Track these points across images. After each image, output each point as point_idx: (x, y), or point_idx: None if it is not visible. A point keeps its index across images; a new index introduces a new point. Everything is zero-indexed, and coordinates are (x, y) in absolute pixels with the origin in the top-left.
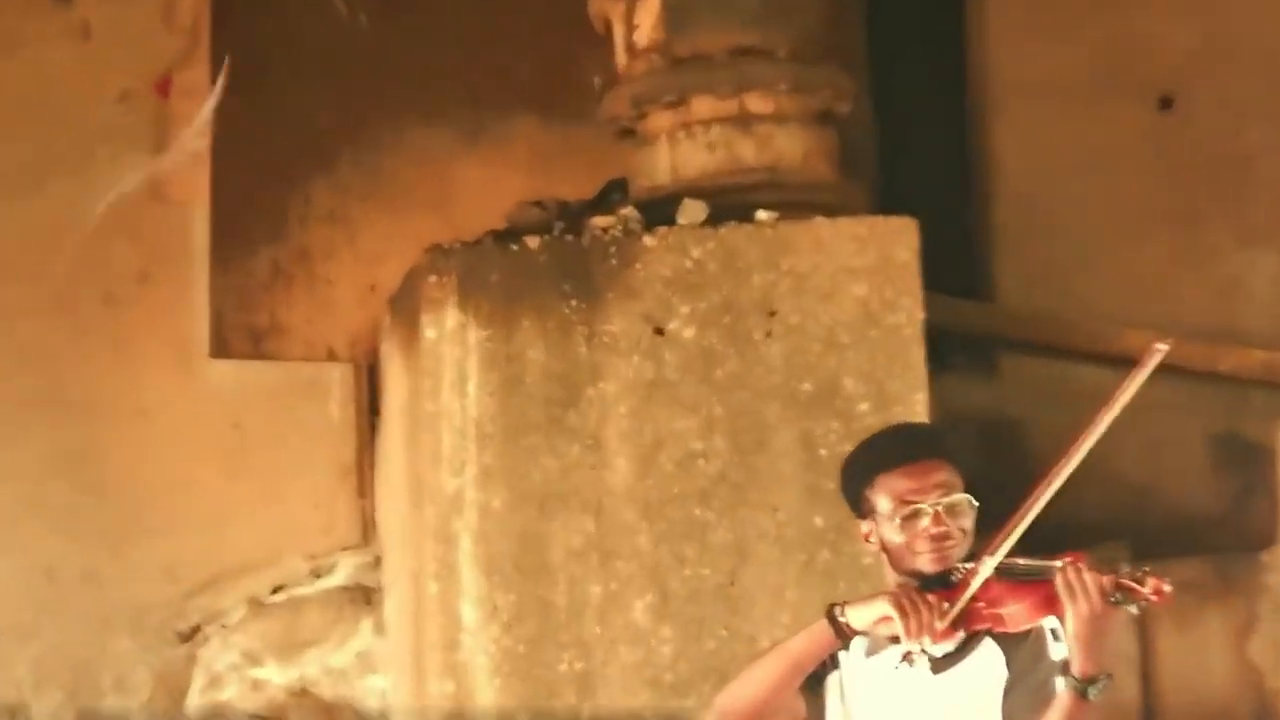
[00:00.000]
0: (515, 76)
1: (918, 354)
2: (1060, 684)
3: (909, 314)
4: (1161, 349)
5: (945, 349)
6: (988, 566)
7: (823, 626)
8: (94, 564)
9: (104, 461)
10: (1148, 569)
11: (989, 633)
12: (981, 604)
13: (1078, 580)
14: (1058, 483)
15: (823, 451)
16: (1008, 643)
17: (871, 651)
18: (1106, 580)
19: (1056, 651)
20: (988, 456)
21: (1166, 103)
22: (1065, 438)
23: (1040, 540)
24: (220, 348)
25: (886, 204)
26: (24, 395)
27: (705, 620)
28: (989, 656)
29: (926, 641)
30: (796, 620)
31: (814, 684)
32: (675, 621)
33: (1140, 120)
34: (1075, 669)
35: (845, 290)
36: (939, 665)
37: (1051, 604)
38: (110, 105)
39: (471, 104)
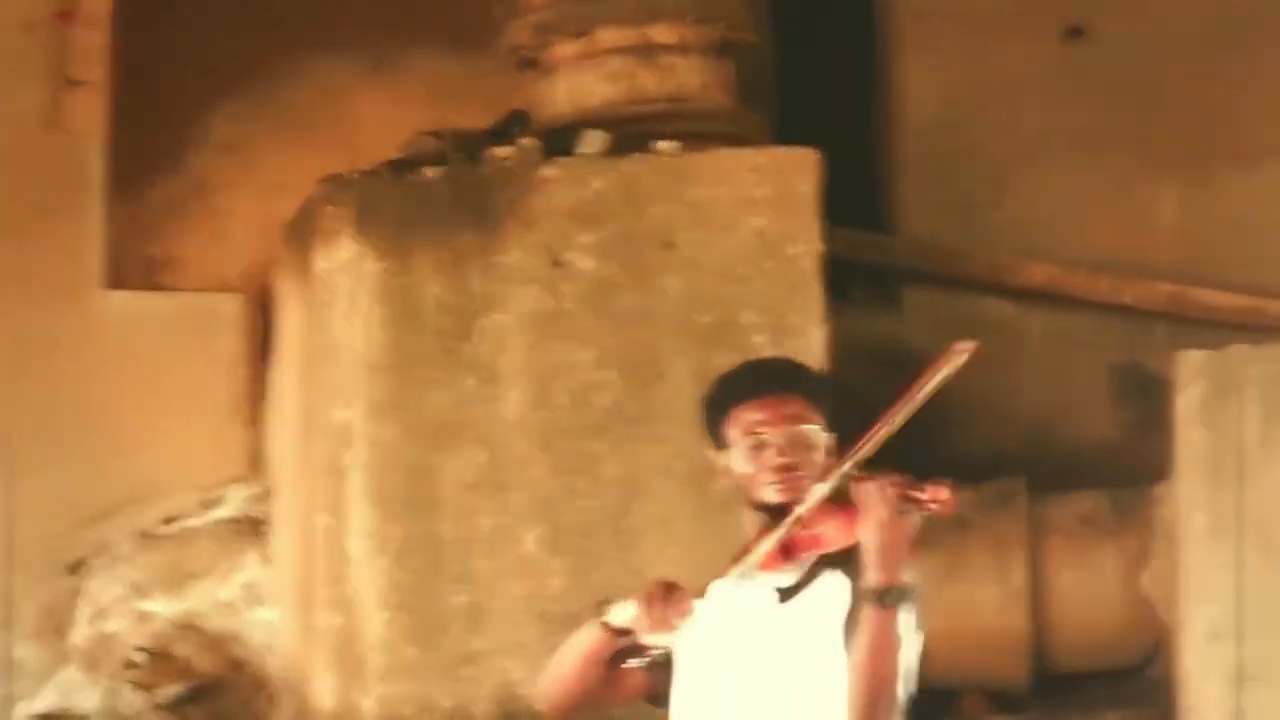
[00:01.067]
0: (417, 6)
1: (816, 287)
2: (862, 597)
3: (808, 246)
4: (966, 349)
5: (847, 281)
6: (812, 495)
7: (596, 626)
8: None
9: None
10: (936, 480)
11: (830, 558)
12: (805, 530)
13: (866, 491)
14: (898, 420)
15: None
16: (852, 571)
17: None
18: (892, 490)
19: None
20: (888, 389)
21: (1075, 32)
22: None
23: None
24: (115, 279)
25: (791, 136)
26: None
27: (596, 553)
28: (832, 584)
29: (667, 638)
30: (686, 553)
31: (643, 650)
32: (566, 554)
33: (1048, 50)
34: (869, 580)
35: (744, 222)
36: (785, 595)
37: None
38: (12, 33)
39: (373, 34)
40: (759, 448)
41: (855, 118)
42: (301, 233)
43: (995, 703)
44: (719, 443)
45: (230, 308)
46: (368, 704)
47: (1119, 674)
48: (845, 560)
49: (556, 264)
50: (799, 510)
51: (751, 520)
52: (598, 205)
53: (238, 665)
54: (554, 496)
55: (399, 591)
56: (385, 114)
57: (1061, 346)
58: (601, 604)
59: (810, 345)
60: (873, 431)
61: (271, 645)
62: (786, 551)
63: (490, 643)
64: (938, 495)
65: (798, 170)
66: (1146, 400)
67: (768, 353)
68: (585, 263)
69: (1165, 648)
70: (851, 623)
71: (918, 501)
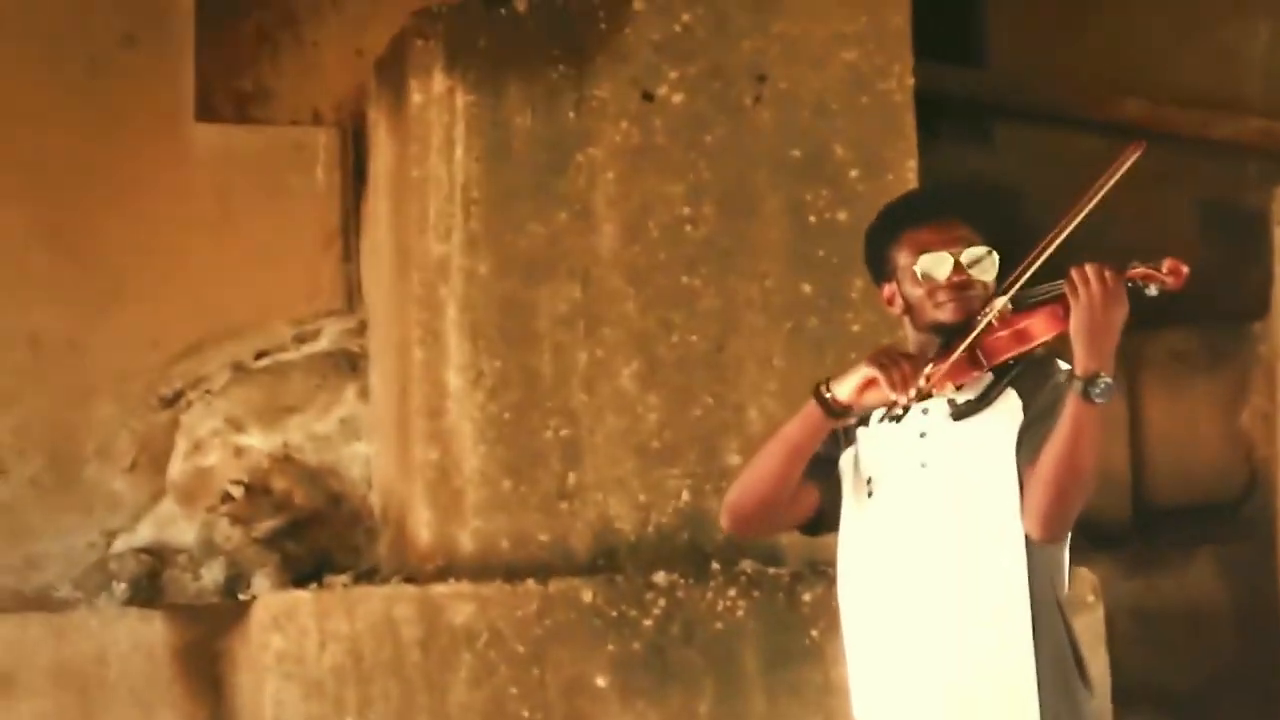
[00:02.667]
0: None
1: (909, 121)
2: (1065, 388)
3: (900, 80)
4: (1136, 150)
5: (938, 116)
6: (1000, 301)
7: (812, 406)
8: (77, 331)
9: (87, 229)
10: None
11: (1009, 375)
12: (1001, 332)
13: (1081, 273)
14: (1074, 223)
15: (811, 219)
16: (1028, 389)
17: (889, 416)
18: (1111, 271)
19: (1064, 368)
20: (1000, 219)
21: None
22: (1060, 204)
23: None
24: (206, 112)
25: None
26: (6, 163)
27: (692, 388)
28: (1010, 402)
29: (912, 395)
30: (783, 388)
31: (825, 468)
32: (662, 389)
33: None
34: (1077, 367)
35: (836, 56)
36: (960, 412)
37: (1067, 316)
38: None
39: None
40: (934, 267)
41: None
42: (393, 66)
43: (1092, 537)
44: (884, 273)
45: (322, 140)
46: (464, 538)
47: (1217, 509)
48: (1022, 377)
49: (648, 98)
50: (987, 318)
51: (919, 343)
52: (687, 39)
53: (335, 499)
54: (649, 331)
55: (496, 425)
56: None
57: (1152, 182)
58: (820, 383)
59: (903, 180)
60: (1047, 240)
61: (369, 479)
62: (975, 361)
63: (587, 477)
64: (1177, 267)
65: (888, 4)
66: (1239, 236)
67: (861, 188)
68: (676, 97)
69: (1262, 484)
70: (1029, 437)
71: (1153, 277)
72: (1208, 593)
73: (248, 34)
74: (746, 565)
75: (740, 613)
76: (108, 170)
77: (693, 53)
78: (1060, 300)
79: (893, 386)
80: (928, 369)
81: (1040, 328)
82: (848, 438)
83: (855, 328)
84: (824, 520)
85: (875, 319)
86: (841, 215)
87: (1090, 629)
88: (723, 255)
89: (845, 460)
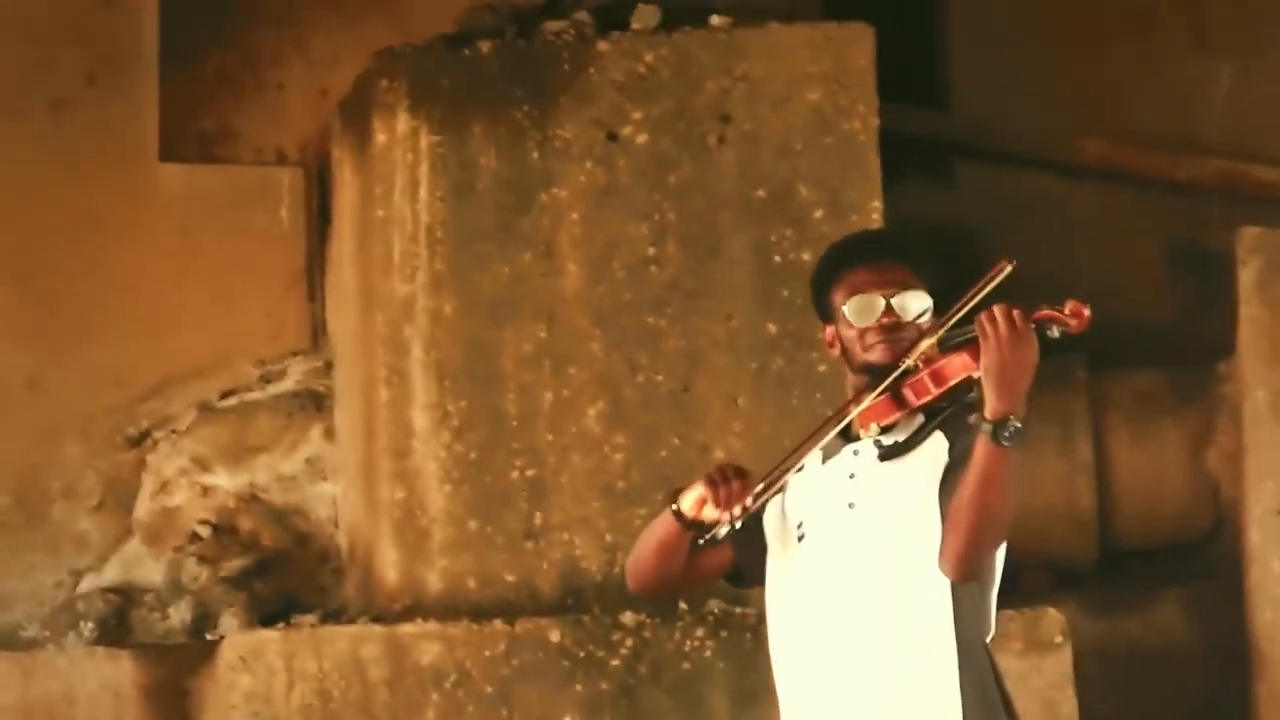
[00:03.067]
0: None
1: (873, 161)
2: (976, 432)
3: (864, 121)
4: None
5: (901, 156)
6: (924, 343)
7: (668, 513)
8: (42, 370)
9: (52, 268)
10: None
11: (938, 418)
12: (924, 373)
13: (990, 315)
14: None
15: (776, 258)
16: (953, 430)
17: (827, 457)
18: (1019, 312)
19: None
20: (941, 262)
21: None
22: (1022, 245)
23: None
24: (170, 152)
25: (843, 10)
26: None
27: (658, 428)
28: (935, 445)
29: (737, 512)
30: (749, 428)
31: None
32: (628, 429)
33: None
34: (986, 409)
35: (800, 96)
36: (887, 453)
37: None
38: None
39: None
40: (864, 310)
41: None
42: (357, 106)
43: (1058, 578)
44: (825, 313)
45: (287, 180)
46: (431, 577)
47: (1182, 550)
48: (950, 420)
49: (612, 138)
50: (906, 362)
51: (855, 385)
52: (652, 80)
53: (302, 539)
54: (614, 371)
55: (461, 465)
56: None
57: (1115, 223)
58: (674, 492)
59: (867, 220)
60: (978, 287)
61: (335, 519)
62: (900, 401)
63: (554, 517)
64: (1079, 310)
65: (852, 45)
66: (1203, 278)
67: (825, 228)
68: (640, 137)
69: (1229, 525)
70: (951, 477)
71: (1057, 319)
72: (1175, 633)
73: (211, 74)
74: (714, 605)
75: (708, 653)
76: (72, 210)
77: (657, 93)
78: (976, 342)
79: (716, 503)
80: (856, 406)
81: (955, 369)
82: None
83: (821, 368)
84: (745, 573)
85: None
86: (806, 255)
87: (1058, 669)
88: (688, 295)
89: (771, 510)
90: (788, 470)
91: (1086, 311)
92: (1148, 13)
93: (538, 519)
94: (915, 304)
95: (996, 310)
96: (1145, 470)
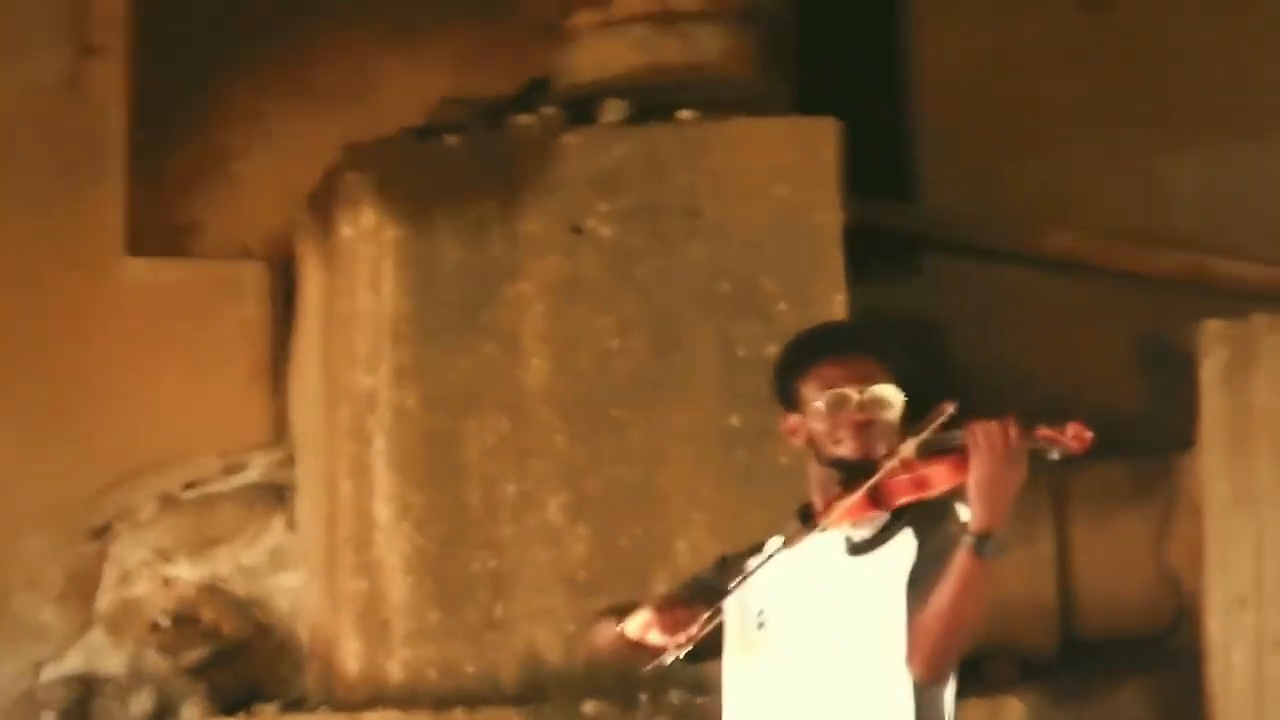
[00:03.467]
0: None
1: (837, 255)
2: (958, 541)
3: (830, 215)
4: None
5: (868, 250)
6: (906, 447)
7: (612, 630)
8: (4, 462)
9: (15, 359)
10: (1070, 420)
11: (905, 516)
12: (902, 476)
13: (984, 429)
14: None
15: (741, 352)
16: (923, 530)
17: (789, 542)
18: (1015, 429)
19: (962, 515)
20: (910, 356)
21: (1096, 2)
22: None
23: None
24: (136, 245)
25: (811, 104)
26: None
27: (621, 520)
28: (904, 541)
29: (682, 640)
30: (712, 520)
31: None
32: (590, 521)
33: (1069, 18)
34: (972, 523)
35: (766, 190)
36: (855, 548)
37: (967, 467)
38: (30, 1)
39: (397, 2)
40: (836, 404)
41: (876, 86)
42: (323, 200)
43: (1019, 668)
44: (790, 403)
45: (252, 274)
46: (393, 668)
47: (1144, 642)
48: (919, 518)
49: (577, 231)
50: (892, 461)
51: (820, 477)
52: (618, 173)
53: (263, 630)
54: (577, 463)
55: (423, 557)
56: (407, 81)
57: (1082, 315)
58: (612, 611)
59: (831, 313)
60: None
61: (296, 610)
62: (876, 500)
63: (515, 609)
64: (1081, 433)
65: (819, 139)
66: (1168, 370)
67: (790, 321)
68: (605, 230)
69: (1190, 616)
70: (919, 577)
71: (1058, 440)
72: None
73: (179, 167)
74: (674, 695)
75: None
76: (37, 302)
77: (623, 186)
78: (963, 451)
79: (662, 629)
80: (836, 506)
81: (941, 478)
82: (734, 570)
83: (783, 460)
84: (704, 649)
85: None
86: (770, 349)
87: None
88: (652, 388)
89: (730, 601)
90: (732, 591)
91: (1089, 435)
92: (1115, 105)
93: (499, 610)
94: (886, 399)
95: (993, 426)
96: (1107, 561)
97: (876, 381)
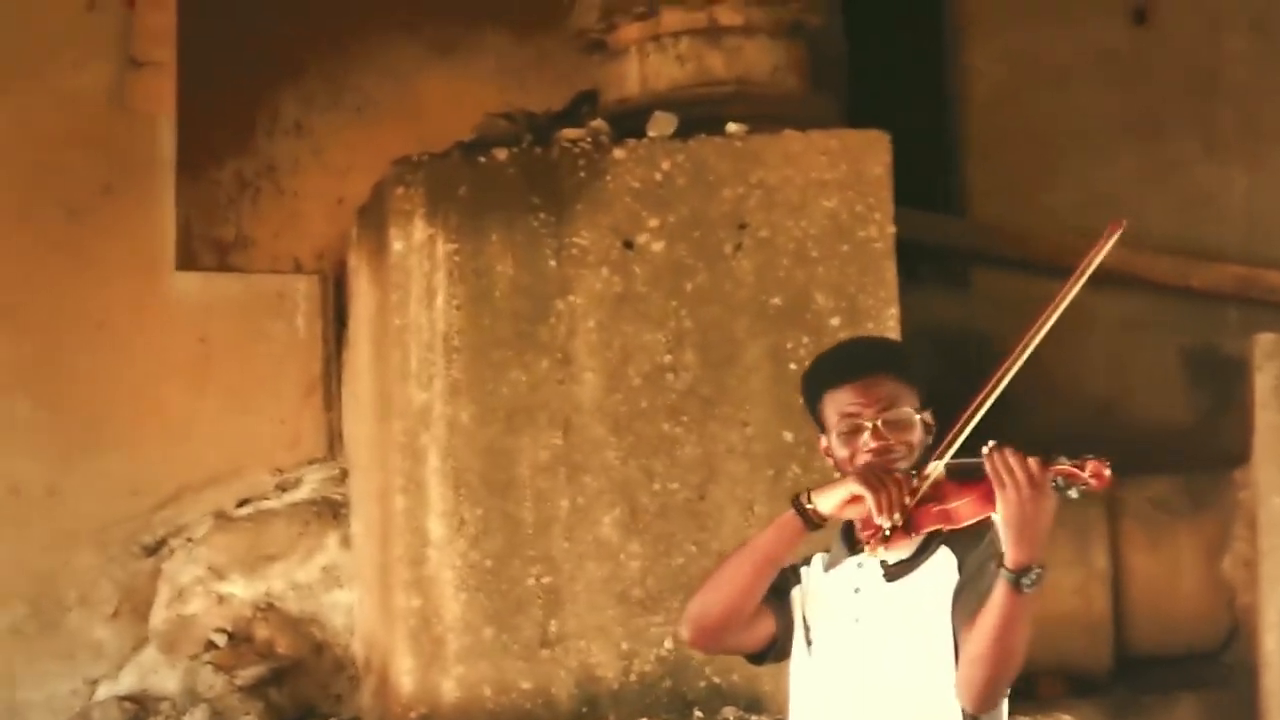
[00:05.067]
0: None
1: (889, 268)
2: (996, 575)
3: (880, 228)
4: (1120, 227)
5: (916, 262)
6: (936, 468)
7: (790, 516)
8: (57, 478)
9: (68, 376)
10: (1089, 455)
11: (941, 535)
12: (932, 504)
13: (1004, 464)
14: (1001, 385)
15: (793, 366)
16: (961, 546)
17: (831, 565)
18: (1036, 464)
19: (1001, 542)
20: (958, 369)
21: (1140, 16)
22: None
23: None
24: (186, 260)
25: (858, 117)
26: None
27: (674, 535)
28: (943, 561)
29: (897, 519)
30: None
31: (781, 597)
32: (644, 537)
33: (1113, 33)
34: (1008, 558)
35: (816, 204)
36: (893, 573)
37: (994, 498)
38: (77, 13)
39: (441, 15)
40: (853, 432)
41: (923, 99)
42: (374, 214)
43: (1073, 685)
44: (819, 425)
45: (303, 288)
46: (447, 685)
47: (1197, 658)
48: (956, 535)
49: (628, 246)
50: (922, 488)
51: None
52: (667, 187)
53: (318, 647)
54: (630, 479)
55: (477, 573)
56: (453, 96)
57: (1130, 329)
58: (801, 494)
59: (883, 327)
60: (973, 408)
61: (351, 627)
62: (909, 527)
63: (569, 625)
64: (1100, 471)
65: (868, 152)
66: (1218, 383)
67: (842, 334)
68: (656, 244)
69: (1244, 631)
70: (964, 598)
71: (1077, 478)
72: None
73: (228, 182)
74: (729, 712)
75: None
76: (88, 319)
77: (673, 201)
78: (988, 480)
79: (879, 509)
80: (872, 538)
81: (968, 511)
82: (795, 575)
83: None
84: (774, 649)
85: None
86: None
87: None
88: (704, 403)
89: (795, 595)
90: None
91: (1107, 472)
92: (1162, 120)
93: (553, 627)
94: (903, 421)
95: (1013, 460)
96: (1161, 577)
97: (895, 402)
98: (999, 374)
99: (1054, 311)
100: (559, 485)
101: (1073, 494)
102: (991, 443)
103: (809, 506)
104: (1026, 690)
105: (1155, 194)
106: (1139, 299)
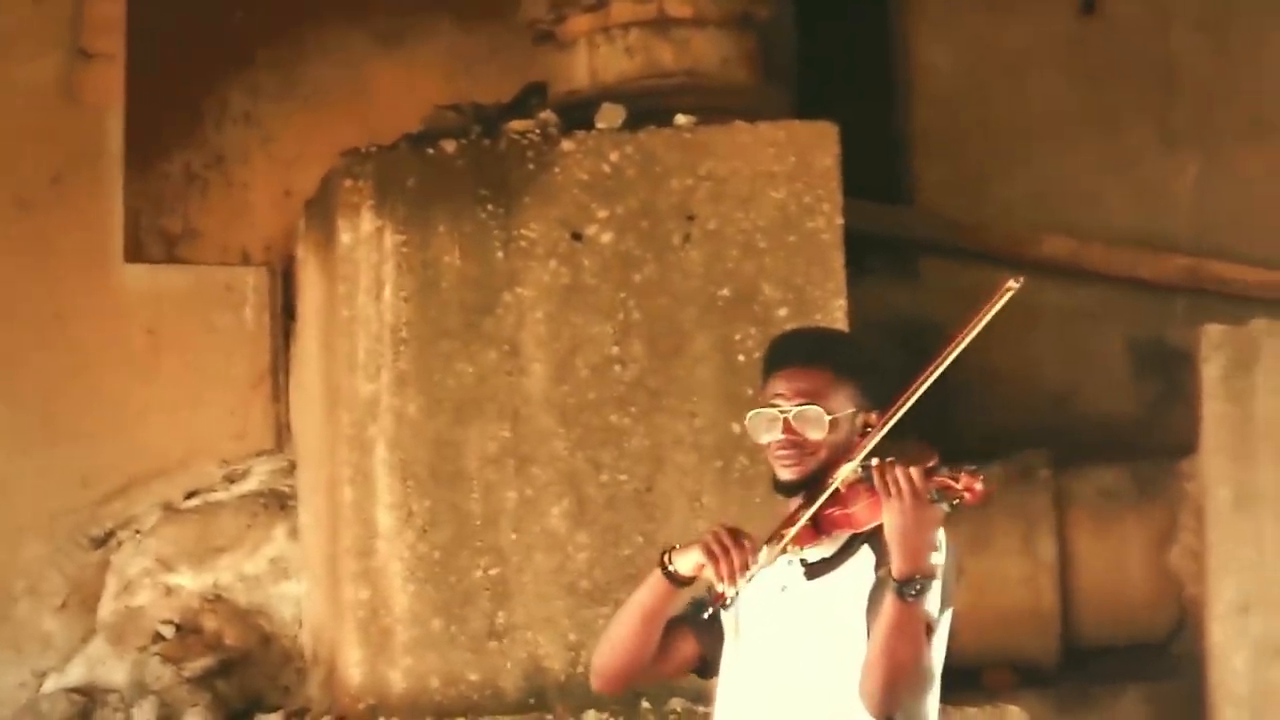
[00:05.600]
0: None
1: (837, 259)
2: (883, 585)
3: (828, 219)
4: (1013, 286)
5: (865, 253)
6: (842, 472)
7: (658, 575)
8: (5, 470)
9: (17, 367)
10: (968, 467)
11: (855, 537)
12: (840, 507)
13: (889, 476)
14: (912, 399)
15: (741, 357)
16: (879, 542)
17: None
18: (918, 475)
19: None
20: (907, 361)
21: (1089, 6)
22: (984, 343)
23: (964, 450)
24: (134, 252)
25: (807, 108)
26: None
27: (622, 526)
28: (863, 560)
29: (741, 585)
30: (714, 525)
31: (705, 614)
32: (592, 528)
33: (1063, 23)
34: (894, 569)
35: (764, 195)
36: (813, 571)
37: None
38: (26, 5)
39: (391, 5)
40: (772, 421)
41: (872, 90)
42: (322, 206)
43: (1020, 676)
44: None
45: (251, 280)
46: (395, 676)
47: (1145, 648)
48: (876, 535)
49: (576, 237)
50: (828, 491)
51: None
52: (616, 179)
53: (265, 639)
54: (578, 470)
55: (425, 565)
56: (402, 87)
57: (1079, 320)
58: (665, 552)
59: (831, 318)
60: (898, 403)
61: (299, 619)
62: (818, 528)
63: (517, 616)
64: (972, 485)
65: (817, 144)
66: (1167, 374)
67: (789, 325)
68: (604, 236)
69: (1192, 622)
70: (873, 602)
71: (950, 490)
72: None
73: (176, 173)
74: (676, 704)
75: None
76: (36, 309)
77: (621, 192)
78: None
79: (719, 577)
80: (784, 536)
81: (865, 516)
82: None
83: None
84: (704, 667)
85: None
86: None
87: None
88: (652, 394)
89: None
90: (781, 545)
91: (979, 486)
92: (1113, 109)
93: (501, 618)
94: (814, 418)
95: (897, 473)
96: (1108, 568)
97: (818, 398)
98: (903, 399)
99: (944, 360)
100: (507, 477)
101: (944, 507)
102: (878, 460)
103: (670, 567)
104: (974, 681)
105: (1108, 184)
106: (1087, 290)
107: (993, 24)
